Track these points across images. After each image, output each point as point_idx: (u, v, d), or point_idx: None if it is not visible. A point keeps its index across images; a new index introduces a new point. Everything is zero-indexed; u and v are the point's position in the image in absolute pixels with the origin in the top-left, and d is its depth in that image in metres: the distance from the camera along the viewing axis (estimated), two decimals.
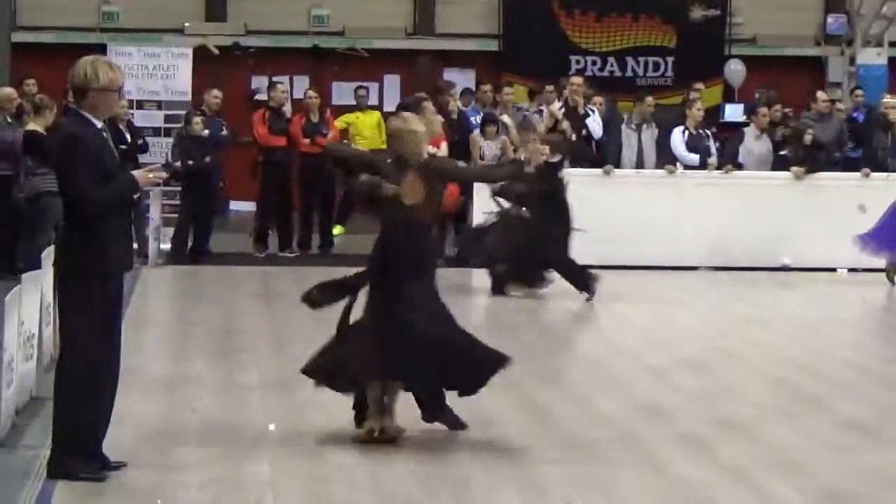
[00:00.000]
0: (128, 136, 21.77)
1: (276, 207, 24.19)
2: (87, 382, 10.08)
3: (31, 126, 19.54)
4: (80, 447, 10.13)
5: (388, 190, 11.36)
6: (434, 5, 30.08)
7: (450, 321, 11.49)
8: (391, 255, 11.32)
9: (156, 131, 25.67)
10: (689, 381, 14.70)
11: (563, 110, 23.47)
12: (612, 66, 30.00)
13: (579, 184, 22.22)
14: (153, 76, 26.72)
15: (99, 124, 10.19)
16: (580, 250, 20.53)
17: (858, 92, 26.14)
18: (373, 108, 26.52)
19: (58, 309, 10.57)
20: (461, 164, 11.81)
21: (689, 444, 11.68)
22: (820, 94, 25.64)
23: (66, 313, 10.28)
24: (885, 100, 24.73)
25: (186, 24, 29.12)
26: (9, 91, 22.46)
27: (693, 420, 12.66)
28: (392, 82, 29.34)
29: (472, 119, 24.57)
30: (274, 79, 26.46)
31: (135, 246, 14.23)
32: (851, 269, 22.54)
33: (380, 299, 11.32)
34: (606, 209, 22.66)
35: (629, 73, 29.86)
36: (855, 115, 25.76)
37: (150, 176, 10.65)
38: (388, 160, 11.59)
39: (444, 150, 15.76)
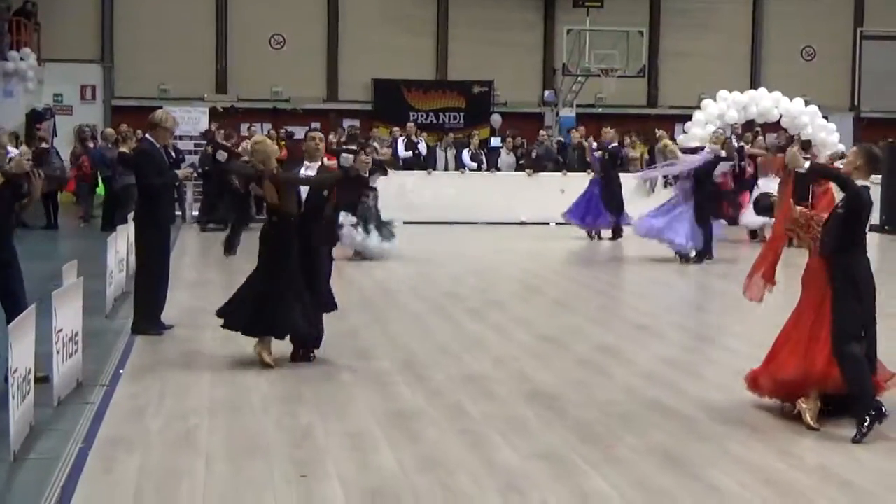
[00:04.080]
0: (173, 154, 21.38)
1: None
2: (153, 281, 10.08)
3: (122, 148, 19.24)
4: (149, 317, 10.13)
5: (256, 191, 9.21)
6: (337, 86, 29.93)
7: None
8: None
9: (187, 152, 25.16)
10: (473, 281, 14.86)
11: (404, 139, 23.64)
12: (432, 117, 29.87)
13: (414, 179, 23.00)
14: (187, 122, 26.27)
15: (158, 146, 10.17)
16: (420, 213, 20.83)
17: (574, 132, 26.01)
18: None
19: (136, 242, 10.51)
20: (304, 174, 8.95)
21: (473, 313, 11.85)
22: (541, 132, 25.98)
23: (141, 245, 10.24)
24: (573, 133, 25.21)
25: (205, 95, 28.70)
26: (111, 130, 23.34)
27: (475, 301, 12.86)
28: (315, 127, 29.00)
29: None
30: (251, 126, 26.30)
31: (178, 211, 14.12)
32: (558, 223, 22.44)
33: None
34: (428, 192, 22.93)
35: (441, 121, 29.78)
36: (566, 141, 25.90)
37: (185, 174, 10.77)
38: (258, 170, 8.87)
39: (333, 163, 12.95)
